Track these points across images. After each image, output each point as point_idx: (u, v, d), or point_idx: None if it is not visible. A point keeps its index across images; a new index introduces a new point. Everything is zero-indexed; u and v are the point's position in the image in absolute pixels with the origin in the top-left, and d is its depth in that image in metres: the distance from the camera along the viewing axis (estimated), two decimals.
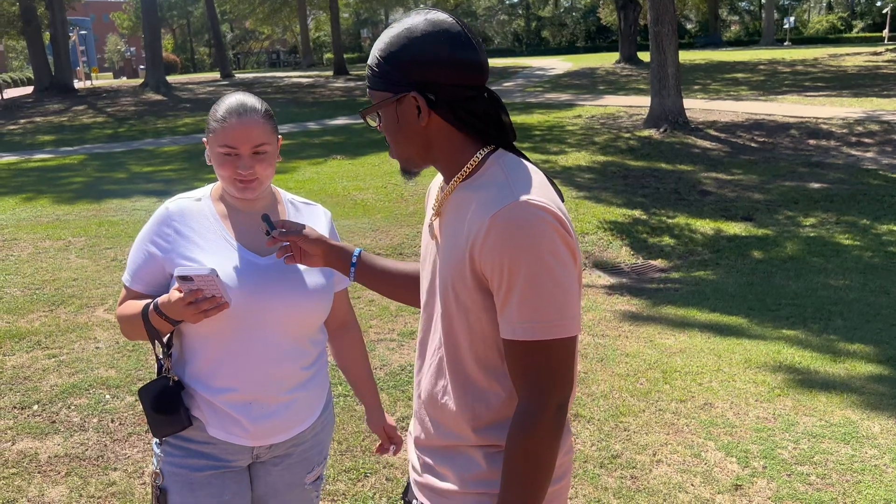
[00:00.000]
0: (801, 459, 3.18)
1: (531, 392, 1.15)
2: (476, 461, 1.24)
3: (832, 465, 3.13)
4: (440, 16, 1.21)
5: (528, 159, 1.26)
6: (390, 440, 1.95)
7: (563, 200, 1.24)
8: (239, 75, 35.57)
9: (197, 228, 1.67)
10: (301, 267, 1.70)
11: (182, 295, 1.51)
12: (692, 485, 3.01)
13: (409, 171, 1.32)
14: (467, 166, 1.22)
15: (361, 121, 17.29)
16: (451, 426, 1.26)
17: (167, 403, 1.66)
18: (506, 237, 1.11)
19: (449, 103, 1.20)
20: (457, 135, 1.23)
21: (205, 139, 1.67)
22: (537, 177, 1.20)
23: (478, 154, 1.22)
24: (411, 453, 1.38)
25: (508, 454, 1.16)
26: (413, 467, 1.37)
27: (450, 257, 1.21)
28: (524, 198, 1.13)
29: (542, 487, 1.16)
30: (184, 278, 1.49)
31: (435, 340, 1.27)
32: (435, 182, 1.41)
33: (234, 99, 1.64)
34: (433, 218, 1.31)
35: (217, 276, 1.48)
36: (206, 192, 1.74)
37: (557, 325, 1.13)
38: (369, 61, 1.26)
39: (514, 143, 1.28)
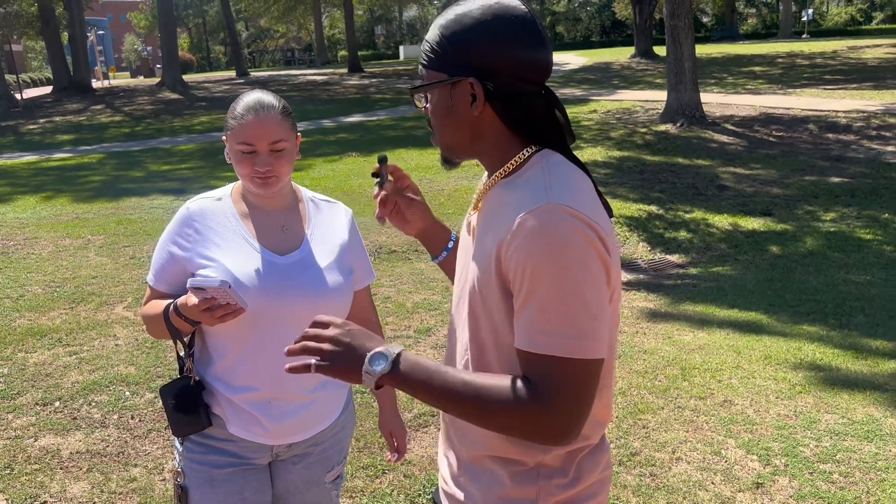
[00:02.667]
0: (824, 457, 3.14)
1: (542, 397, 1.05)
2: (500, 479, 1.18)
3: (855, 463, 3.09)
4: (515, 3, 1.14)
5: (581, 165, 1.18)
6: (395, 446, 1.94)
7: (611, 216, 1.16)
8: (254, 73, 35.73)
9: (217, 228, 1.67)
10: (320, 266, 1.69)
11: (197, 302, 1.51)
12: (712, 483, 2.98)
13: (450, 161, 1.24)
14: (510, 163, 1.16)
15: (376, 118, 17.15)
16: (474, 433, 1.21)
17: (188, 403, 1.67)
18: (532, 240, 1.04)
19: (506, 96, 1.13)
20: (506, 130, 1.16)
21: (224, 137, 1.68)
22: (582, 184, 1.12)
23: (523, 152, 1.16)
24: (440, 458, 1.34)
25: (493, 386, 1.06)
26: (440, 473, 1.33)
27: (479, 256, 1.15)
28: (559, 201, 1.05)
29: (461, 412, 1.08)
30: (197, 289, 1.49)
31: (463, 342, 1.21)
32: (484, 176, 1.34)
33: (251, 97, 1.64)
34: (471, 213, 1.26)
35: (229, 286, 1.47)
36: (226, 191, 1.75)
37: (575, 345, 1.03)
38: (428, 36, 1.18)
39: (571, 147, 1.20)
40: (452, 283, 1.38)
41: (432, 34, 1.17)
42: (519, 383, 1.06)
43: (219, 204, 1.71)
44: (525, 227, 1.05)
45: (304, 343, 1.12)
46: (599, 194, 1.16)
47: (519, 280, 1.06)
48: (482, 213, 1.21)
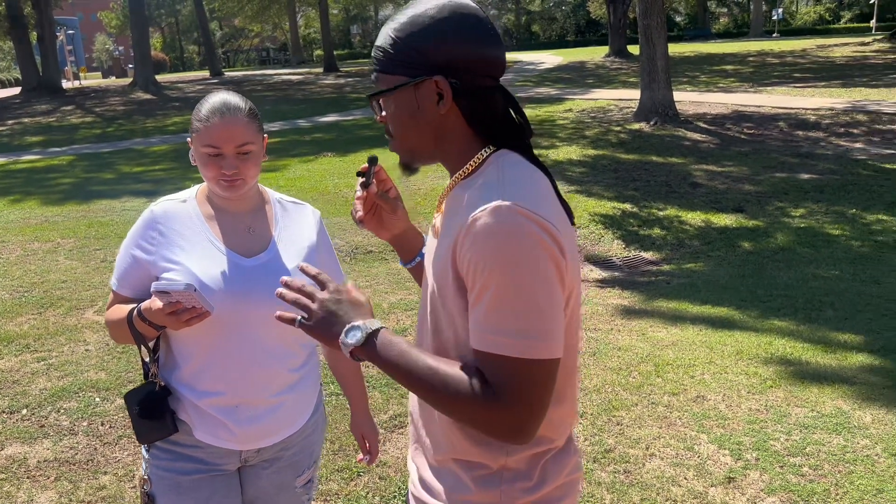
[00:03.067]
0: (794, 451, 3.18)
1: (496, 394, 1.04)
2: (464, 482, 1.18)
3: (824, 455, 3.14)
4: (465, 1, 1.14)
5: (541, 165, 1.17)
6: (367, 449, 1.92)
7: (573, 222, 1.15)
8: (229, 73, 35.42)
9: (181, 231, 1.65)
10: (287, 267, 1.68)
11: (161, 306, 1.49)
12: (685, 478, 3.01)
13: (410, 167, 1.23)
14: (469, 164, 1.16)
15: (351, 118, 17.04)
16: (439, 435, 1.21)
17: (153, 409, 1.64)
18: (482, 238, 1.03)
19: (471, 93, 1.13)
20: (468, 129, 1.16)
21: (189, 139, 1.65)
22: (538, 184, 1.11)
23: (482, 152, 1.15)
24: (409, 461, 1.34)
25: (455, 377, 1.06)
26: (410, 476, 1.33)
27: (438, 257, 1.15)
28: (510, 200, 1.04)
29: (426, 396, 1.09)
30: (161, 293, 1.46)
31: (427, 342, 1.21)
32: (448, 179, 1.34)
33: (217, 98, 1.62)
34: (435, 215, 1.26)
35: (195, 290, 1.45)
36: (191, 193, 1.72)
37: (525, 344, 1.02)
38: (381, 42, 1.16)
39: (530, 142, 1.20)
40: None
41: (385, 39, 1.15)
42: (477, 378, 1.06)
43: (184, 206, 1.69)
44: (476, 226, 1.05)
45: (297, 296, 1.15)
46: (560, 197, 1.15)
47: (471, 278, 1.06)
48: (444, 215, 1.20)
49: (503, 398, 1.04)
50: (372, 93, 1.19)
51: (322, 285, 1.18)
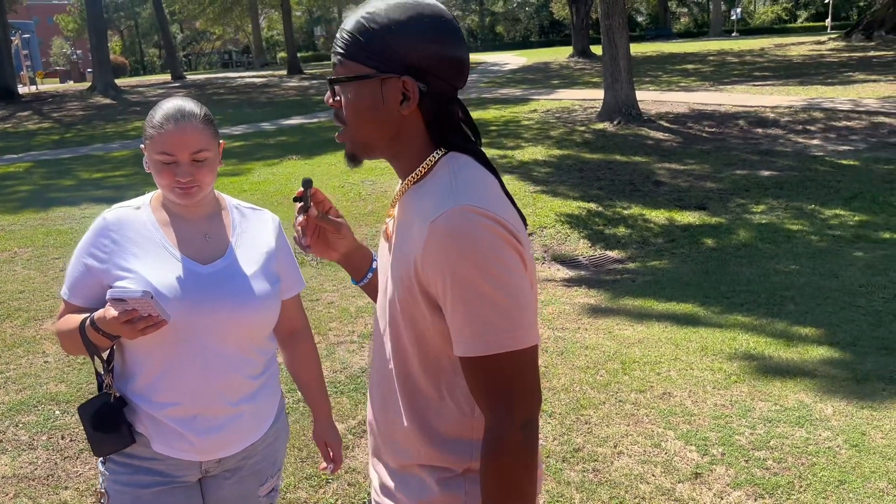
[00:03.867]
0: (758, 445, 3.23)
1: (495, 412, 1.07)
2: (428, 486, 1.17)
3: (788, 448, 3.20)
4: (442, 6, 1.13)
5: (487, 163, 1.17)
6: (331, 457, 1.90)
7: (519, 212, 1.15)
8: (191, 76, 34.91)
9: (135, 238, 1.61)
10: (245, 274, 1.65)
11: (117, 314, 1.45)
12: (653, 475, 3.04)
13: (356, 158, 1.20)
14: (421, 167, 1.14)
15: (316, 120, 16.92)
16: (402, 443, 1.20)
17: (108, 421, 1.60)
18: (445, 246, 1.03)
19: (435, 97, 1.12)
20: (425, 132, 1.15)
21: (142, 146, 1.61)
22: (487, 182, 1.12)
23: (433, 155, 1.14)
24: (370, 470, 1.32)
25: (483, 479, 1.09)
26: (371, 484, 1.31)
27: (396, 268, 1.14)
28: (464, 203, 1.04)
29: None
30: (117, 300, 1.42)
31: (387, 352, 1.20)
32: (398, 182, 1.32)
33: (171, 104, 1.58)
34: (387, 220, 1.25)
35: (151, 297, 1.41)
36: (145, 200, 1.69)
37: (509, 337, 1.04)
38: (350, 27, 1.11)
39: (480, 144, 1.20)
40: (375, 303, 1.36)
41: (355, 25, 1.11)
42: (486, 442, 1.09)
43: (137, 213, 1.65)
44: (436, 234, 1.04)
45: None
46: (511, 200, 1.15)
47: (441, 288, 1.05)
48: (397, 221, 1.19)
49: (510, 397, 1.06)
50: (334, 77, 1.15)
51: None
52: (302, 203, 1.29)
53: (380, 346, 1.24)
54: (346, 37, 1.13)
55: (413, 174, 1.16)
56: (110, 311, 1.46)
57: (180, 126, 1.55)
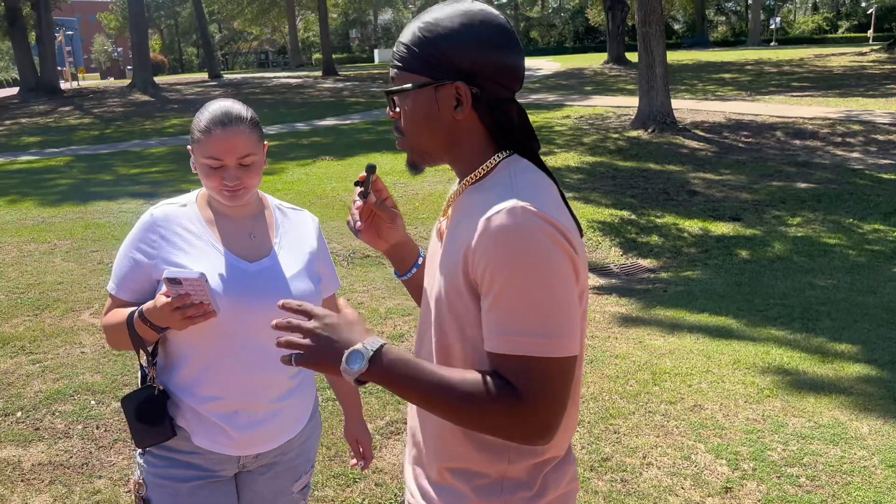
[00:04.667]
0: (791, 461, 3.18)
1: (520, 397, 1.03)
2: (464, 493, 1.17)
3: (821, 466, 3.14)
4: (494, 11, 1.14)
5: (548, 172, 1.18)
6: (361, 454, 1.92)
7: (577, 222, 1.15)
8: (227, 76, 35.41)
9: (183, 234, 1.64)
10: (289, 274, 1.67)
11: (169, 300, 1.46)
12: (682, 488, 3.00)
13: (417, 166, 1.22)
14: (481, 168, 1.16)
15: (350, 122, 17.07)
16: (439, 445, 1.20)
17: (151, 413, 1.63)
18: (497, 241, 1.03)
19: (490, 101, 1.13)
20: (484, 135, 1.16)
21: (189, 147, 1.63)
22: (548, 190, 1.12)
23: (495, 157, 1.16)
24: (406, 471, 1.32)
25: (467, 381, 1.04)
26: (408, 489, 1.31)
27: (446, 262, 1.14)
28: (523, 202, 1.04)
29: (441, 412, 1.06)
30: (172, 281, 1.44)
31: (430, 349, 1.20)
32: (454, 185, 1.32)
33: (217, 107, 1.59)
34: (441, 219, 1.25)
35: (206, 280, 1.44)
36: (191, 198, 1.71)
37: (549, 343, 1.02)
38: (406, 38, 1.15)
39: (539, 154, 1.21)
40: (416, 301, 1.36)
41: (411, 36, 1.14)
42: (497, 383, 1.04)
43: (184, 210, 1.68)
44: (490, 228, 1.04)
45: (286, 339, 1.09)
46: (568, 207, 1.15)
47: (487, 281, 1.05)
48: (452, 219, 1.20)
49: (529, 400, 1.03)
50: (390, 89, 1.18)
51: (307, 315, 1.11)
52: (362, 188, 1.30)
53: (423, 345, 1.24)
54: (403, 49, 1.16)
55: (472, 175, 1.17)
56: (161, 298, 1.48)
57: (227, 131, 1.55)
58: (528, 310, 1.02)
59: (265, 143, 1.68)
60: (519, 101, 1.19)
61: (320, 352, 1.07)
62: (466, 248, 1.08)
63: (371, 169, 1.30)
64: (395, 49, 1.18)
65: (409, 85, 1.15)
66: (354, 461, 1.93)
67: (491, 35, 1.12)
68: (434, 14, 1.14)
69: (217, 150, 1.56)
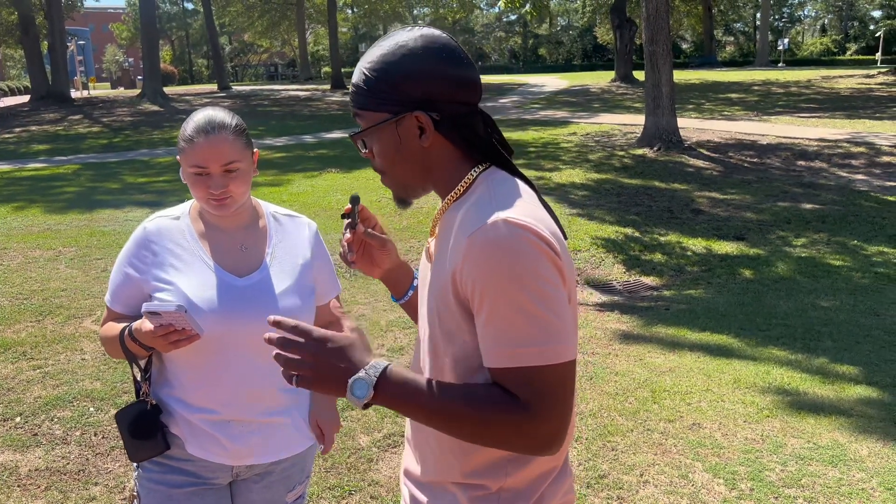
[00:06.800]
0: (789, 482, 3.16)
1: (529, 411, 1.03)
2: (461, 503, 1.17)
3: (820, 488, 3.12)
4: (434, 31, 1.16)
5: (524, 178, 1.19)
6: (321, 437, 1.80)
7: (559, 226, 1.16)
8: (236, 87, 35.66)
9: (174, 249, 1.64)
10: (279, 287, 1.67)
11: (152, 328, 1.48)
12: None
13: (404, 200, 1.24)
14: (460, 185, 1.17)
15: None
16: (437, 459, 1.20)
17: (145, 428, 1.64)
18: (483, 257, 1.04)
19: (451, 121, 1.14)
20: (455, 153, 1.17)
21: (178, 157, 1.64)
22: (526, 195, 1.13)
23: (472, 172, 1.16)
24: (402, 486, 1.32)
25: (474, 397, 1.05)
26: (403, 497, 1.31)
27: (436, 281, 1.15)
28: (503, 215, 1.05)
29: (449, 430, 1.06)
30: (152, 314, 1.46)
31: (424, 367, 1.21)
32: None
33: (201, 115, 1.59)
34: (430, 240, 1.26)
35: (185, 311, 1.44)
36: (185, 209, 1.72)
37: (547, 350, 1.03)
38: (356, 79, 1.17)
39: (512, 160, 1.22)
40: (414, 322, 1.36)
41: (360, 76, 1.16)
42: (502, 396, 1.05)
43: (176, 223, 1.68)
44: (475, 245, 1.05)
45: (286, 358, 1.07)
46: (550, 212, 1.16)
47: (478, 298, 1.06)
48: (438, 239, 1.21)
49: (536, 410, 1.03)
50: (353, 132, 1.20)
51: (304, 335, 1.08)
52: (350, 220, 1.31)
53: (420, 362, 1.25)
54: (354, 90, 1.17)
55: (452, 193, 1.18)
56: (145, 325, 1.50)
57: (211, 138, 1.56)
58: (522, 321, 1.03)
59: (254, 150, 1.68)
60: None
61: (323, 377, 1.06)
62: (454, 266, 1.09)
63: (355, 200, 1.31)
64: (350, 90, 1.20)
65: (370, 125, 1.16)
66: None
67: (434, 57, 1.13)
68: (376, 51, 1.15)
69: (201, 158, 1.56)
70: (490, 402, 1.04)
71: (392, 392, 1.06)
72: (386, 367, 1.06)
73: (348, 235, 1.31)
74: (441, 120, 1.14)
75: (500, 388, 1.06)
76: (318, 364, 1.06)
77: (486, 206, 1.09)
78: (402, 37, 1.15)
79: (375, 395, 1.05)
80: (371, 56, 1.16)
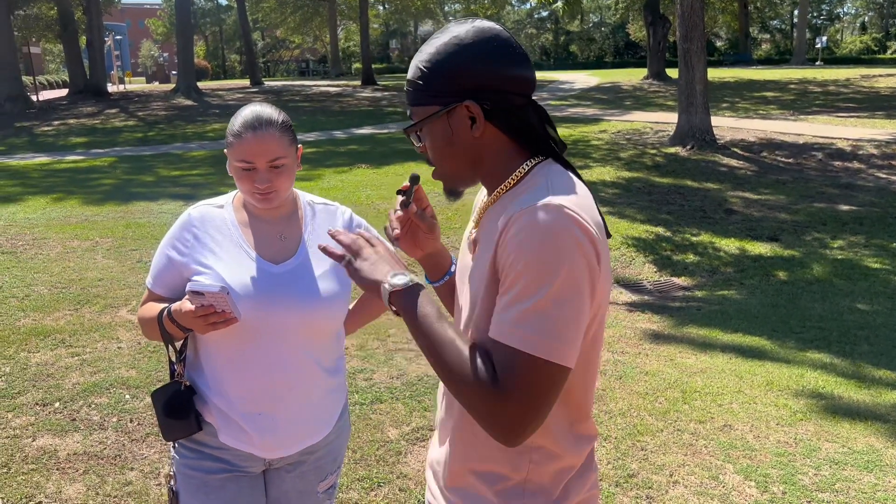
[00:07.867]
0: (822, 486, 3.11)
1: (499, 385, 1.03)
2: (486, 496, 1.18)
3: (854, 493, 3.06)
4: (486, 24, 1.16)
5: (579, 176, 1.19)
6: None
7: (605, 224, 1.15)
8: (268, 83, 35.99)
9: (215, 236, 1.68)
10: (315, 273, 1.69)
11: (193, 308, 1.52)
12: None
13: (455, 191, 1.24)
14: (513, 176, 1.16)
15: (387, 131, 17.25)
16: (465, 446, 1.21)
17: (178, 408, 1.67)
18: (524, 232, 1.04)
19: (503, 111, 1.15)
20: (509, 145, 1.17)
21: (226, 150, 1.68)
22: (581, 191, 1.13)
23: (526, 164, 1.17)
24: (428, 475, 1.34)
25: (466, 357, 1.06)
26: (429, 488, 1.32)
27: (478, 266, 1.15)
28: (557, 201, 1.05)
29: (436, 366, 1.09)
30: (195, 293, 1.50)
31: None
32: (479, 195, 1.33)
33: (249, 111, 1.63)
34: (472, 230, 1.27)
35: (228, 293, 1.48)
36: (228, 199, 1.76)
37: (541, 342, 1.02)
38: (411, 75, 1.19)
39: (564, 156, 1.22)
40: (447, 308, 1.37)
41: (414, 71, 1.18)
42: (485, 363, 1.06)
43: (220, 211, 1.72)
44: (521, 220, 1.06)
45: (354, 237, 1.21)
46: (599, 213, 1.16)
47: (506, 270, 1.06)
48: (485, 228, 1.20)
49: (505, 390, 1.03)
50: (406, 126, 1.22)
51: (362, 245, 1.22)
52: (404, 197, 1.31)
53: None
54: (410, 87, 1.20)
55: (503, 185, 1.18)
56: (186, 305, 1.54)
57: (258, 134, 1.59)
58: (531, 306, 1.02)
59: (299, 146, 1.71)
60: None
61: (371, 265, 1.18)
62: (497, 240, 1.09)
63: (415, 179, 1.31)
64: (405, 88, 1.22)
65: (422, 118, 1.18)
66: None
67: (487, 48, 1.13)
68: (431, 43, 1.17)
69: (248, 153, 1.60)
70: (472, 362, 1.05)
71: (419, 300, 1.12)
72: (418, 283, 1.15)
73: (399, 212, 1.32)
74: (492, 110, 1.14)
75: (489, 360, 1.06)
76: (374, 257, 1.20)
77: (542, 190, 1.09)
78: (455, 30, 1.16)
79: (405, 292, 1.13)
80: (426, 50, 1.17)
